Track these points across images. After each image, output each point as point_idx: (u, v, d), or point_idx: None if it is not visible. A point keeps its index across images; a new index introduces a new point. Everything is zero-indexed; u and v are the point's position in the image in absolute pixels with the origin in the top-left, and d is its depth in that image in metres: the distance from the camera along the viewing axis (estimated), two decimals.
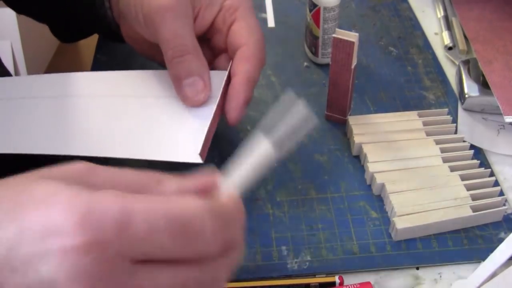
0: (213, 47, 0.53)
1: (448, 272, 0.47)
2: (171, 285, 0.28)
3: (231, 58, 0.50)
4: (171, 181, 0.31)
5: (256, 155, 0.34)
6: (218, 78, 0.49)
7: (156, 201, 0.28)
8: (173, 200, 0.28)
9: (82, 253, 0.26)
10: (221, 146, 0.57)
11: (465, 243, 0.49)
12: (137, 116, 0.49)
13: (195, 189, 0.31)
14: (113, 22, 0.55)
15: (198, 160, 0.44)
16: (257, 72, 0.49)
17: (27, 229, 0.26)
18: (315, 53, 0.65)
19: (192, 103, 0.47)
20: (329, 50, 0.64)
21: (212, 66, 0.51)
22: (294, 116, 0.34)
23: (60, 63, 1.56)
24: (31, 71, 1.49)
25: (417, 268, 0.47)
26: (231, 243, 0.30)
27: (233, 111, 0.47)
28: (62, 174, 0.30)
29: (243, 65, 0.48)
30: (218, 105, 0.48)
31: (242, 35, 0.49)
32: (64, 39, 0.65)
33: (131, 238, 0.27)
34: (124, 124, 0.48)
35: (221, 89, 0.48)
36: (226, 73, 0.49)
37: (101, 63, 0.66)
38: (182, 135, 0.47)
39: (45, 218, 0.27)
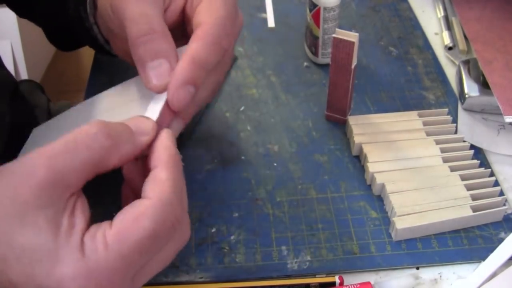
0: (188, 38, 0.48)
1: (448, 272, 0.47)
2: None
3: None
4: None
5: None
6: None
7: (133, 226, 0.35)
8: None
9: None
10: (221, 147, 0.57)
11: (465, 243, 0.49)
12: None
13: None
14: (100, 36, 0.54)
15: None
16: (208, 51, 0.43)
17: None
18: (315, 53, 0.65)
19: (156, 88, 0.42)
20: (329, 50, 0.64)
21: None
22: None
23: (60, 64, 1.56)
24: (31, 71, 1.49)
25: (417, 268, 0.47)
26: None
27: (171, 92, 0.42)
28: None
29: (191, 44, 0.43)
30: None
31: (201, 15, 0.44)
32: (60, 47, 0.66)
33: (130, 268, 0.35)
34: None
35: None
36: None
37: (101, 63, 0.66)
38: None
39: None
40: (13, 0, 0.65)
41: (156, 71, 0.42)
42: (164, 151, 0.39)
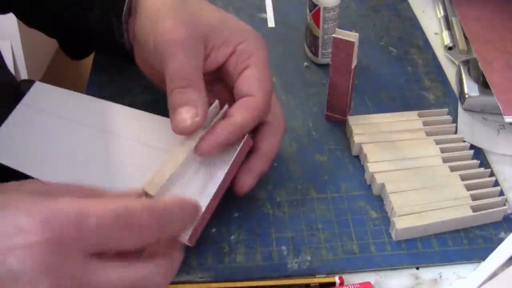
0: (227, 88, 0.51)
1: (448, 272, 0.47)
2: (117, 278, 0.34)
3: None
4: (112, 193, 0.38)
5: None
6: (233, 150, 0.47)
7: (105, 202, 0.34)
8: (119, 200, 0.34)
9: (44, 247, 0.31)
10: None
11: (465, 243, 0.49)
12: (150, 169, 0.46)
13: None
14: (128, 43, 0.55)
15: (186, 242, 0.43)
16: (251, 124, 0.47)
17: None
18: (315, 53, 0.66)
19: (179, 130, 0.45)
20: (329, 50, 0.64)
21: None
22: None
23: (60, 64, 1.56)
24: (31, 71, 1.49)
25: (417, 268, 0.47)
26: (170, 241, 0.37)
27: (204, 143, 0.45)
28: (26, 188, 0.37)
29: (239, 112, 0.46)
30: (224, 180, 0.46)
31: (252, 85, 0.47)
32: (74, 56, 0.66)
33: (85, 233, 0.32)
34: (135, 175, 0.47)
35: (233, 158, 0.46)
36: (239, 147, 0.46)
37: (101, 63, 0.66)
38: None
39: (13, 220, 0.32)
40: (28, 12, 0.65)
41: (181, 115, 0.45)
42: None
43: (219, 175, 0.46)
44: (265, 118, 0.49)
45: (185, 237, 0.44)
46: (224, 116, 0.47)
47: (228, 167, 0.46)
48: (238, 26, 0.50)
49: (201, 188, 0.46)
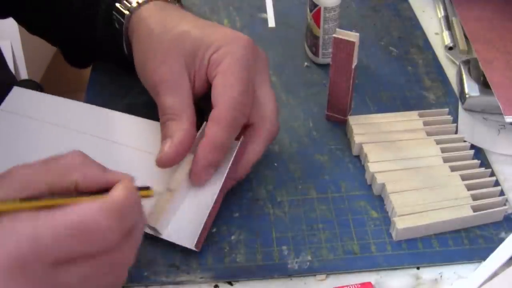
0: None
1: (448, 272, 0.47)
2: (88, 273, 0.35)
3: None
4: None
5: None
6: (229, 153, 0.48)
7: (59, 215, 0.34)
8: (72, 211, 0.34)
9: (7, 269, 0.33)
10: None
11: (466, 243, 0.49)
12: (152, 176, 0.48)
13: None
14: (127, 53, 0.57)
15: (193, 248, 0.46)
16: (226, 134, 0.47)
17: None
18: (315, 53, 0.65)
19: (158, 162, 0.47)
20: (330, 50, 0.64)
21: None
22: None
23: (60, 64, 1.56)
24: (31, 71, 1.49)
25: (418, 268, 0.47)
26: (131, 228, 0.37)
27: (194, 176, 0.47)
28: None
29: (210, 128, 0.47)
30: (222, 187, 0.48)
31: (216, 94, 0.48)
32: (76, 64, 0.66)
33: (42, 249, 0.33)
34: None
35: (228, 167, 0.48)
36: (235, 150, 0.48)
37: (101, 64, 0.66)
38: (182, 215, 0.48)
39: None
40: (30, 19, 0.65)
41: (161, 148, 0.47)
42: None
43: (218, 181, 0.48)
44: (243, 122, 0.48)
45: (192, 243, 0.46)
46: (240, 150, 0.48)
47: (226, 173, 0.48)
48: (214, 36, 0.50)
49: (203, 196, 0.48)
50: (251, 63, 0.49)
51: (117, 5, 0.55)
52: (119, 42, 0.56)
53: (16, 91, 0.56)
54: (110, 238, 0.35)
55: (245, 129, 0.50)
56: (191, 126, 0.48)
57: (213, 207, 0.47)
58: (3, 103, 0.55)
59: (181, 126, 0.47)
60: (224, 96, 0.47)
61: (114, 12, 0.55)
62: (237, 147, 0.48)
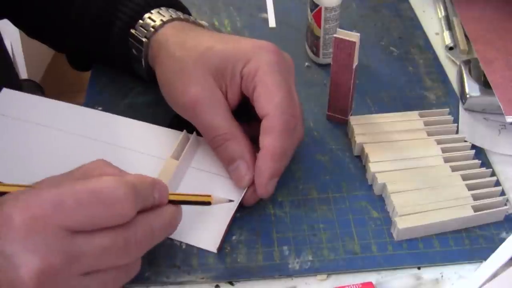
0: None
1: (449, 272, 0.47)
2: (105, 245, 0.37)
3: None
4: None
5: None
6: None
7: (80, 183, 0.37)
8: (93, 181, 0.38)
9: (24, 227, 0.35)
10: None
11: (467, 243, 0.49)
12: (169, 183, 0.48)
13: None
14: (145, 74, 0.57)
15: (215, 250, 0.48)
16: (282, 140, 0.47)
17: None
18: (316, 53, 0.65)
19: (240, 185, 0.49)
20: (330, 50, 0.64)
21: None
22: None
23: (60, 64, 1.56)
24: (31, 71, 1.49)
25: (419, 268, 0.47)
26: (144, 207, 0.40)
27: (260, 188, 0.48)
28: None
29: (265, 139, 0.47)
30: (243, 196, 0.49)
31: (262, 103, 0.48)
32: (82, 69, 0.66)
33: (64, 212, 0.36)
34: None
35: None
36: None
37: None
38: (205, 222, 0.49)
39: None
40: (30, 23, 0.65)
41: (235, 172, 0.49)
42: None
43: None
44: (295, 123, 0.49)
45: (215, 247, 0.47)
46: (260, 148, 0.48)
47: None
48: (240, 49, 0.50)
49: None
50: (282, 66, 0.50)
51: (132, 31, 0.55)
52: (135, 63, 0.57)
53: (5, 92, 0.56)
54: (127, 208, 0.38)
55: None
56: (249, 141, 0.49)
57: (235, 211, 0.48)
58: None
59: (243, 145, 0.49)
60: (269, 105, 0.48)
61: (130, 39, 0.55)
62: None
